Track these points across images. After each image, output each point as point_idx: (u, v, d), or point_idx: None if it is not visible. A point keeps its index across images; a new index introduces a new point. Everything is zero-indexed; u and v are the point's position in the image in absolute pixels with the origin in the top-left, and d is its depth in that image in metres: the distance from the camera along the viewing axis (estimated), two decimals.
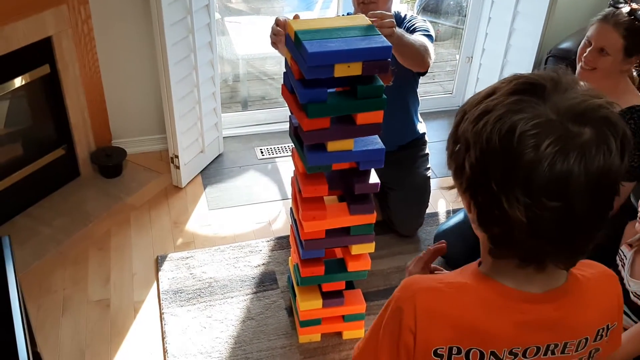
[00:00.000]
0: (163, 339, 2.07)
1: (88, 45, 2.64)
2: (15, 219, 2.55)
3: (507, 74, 2.96)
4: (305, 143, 1.66)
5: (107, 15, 2.64)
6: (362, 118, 1.66)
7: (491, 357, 0.84)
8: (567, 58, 2.63)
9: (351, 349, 2.08)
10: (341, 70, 1.56)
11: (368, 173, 1.81)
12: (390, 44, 1.56)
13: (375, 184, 1.79)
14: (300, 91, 1.59)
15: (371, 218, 1.84)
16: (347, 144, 1.69)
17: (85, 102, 2.72)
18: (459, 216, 2.41)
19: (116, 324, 2.13)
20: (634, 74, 2.00)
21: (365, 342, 0.93)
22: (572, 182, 0.71)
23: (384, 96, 1.64)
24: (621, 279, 1.77)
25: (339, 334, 2.12)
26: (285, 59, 1.74)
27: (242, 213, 2.69)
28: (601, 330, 0.88)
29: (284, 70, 1.77)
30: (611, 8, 1.91)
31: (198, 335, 2.09)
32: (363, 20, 1.68)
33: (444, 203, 2.82)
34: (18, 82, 2.40)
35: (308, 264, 1.92)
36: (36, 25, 2.35)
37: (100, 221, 2.59)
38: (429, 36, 2.30)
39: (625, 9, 1.88)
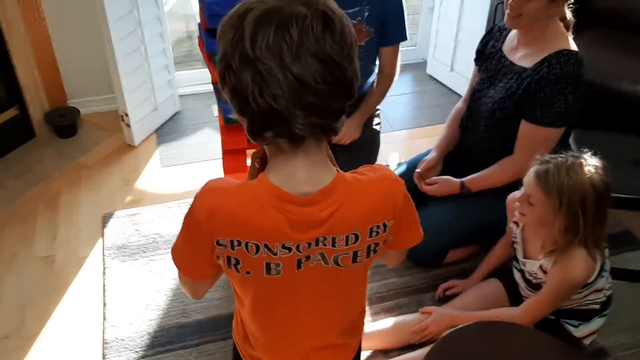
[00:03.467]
0: (104, 292, 2.12)
1: (33, 4, 2.62)
2: None
3: (465, 24, 2.94)
4: (217, 95, 1.66)
5: None
6: None
7: (265, 249, 0.92)
8: None
9: None
10: None
11: None
12: None
13: None
14: (206, 41, 1.58)
15: None
16: None
17: (35, 62, 2.71)
18: (401, 168, 2.40)
19: (59, 279, 2.17)
20: (568, 16, 1.95)
21: (177, 239, 0.99)
22: (272, 47, 0.79)
23: None
24: (517, 259, 1.79)
25: None
26: None
27: (195, 170, 2.71)
28: (375, 228, 0.95)
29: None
30: None
31: (138, 288, 2.13)
32: None
33: (397, 156, 2.81)
34: None
35: None
36: None
37: (52, 181, 2.62)
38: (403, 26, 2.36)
39: None
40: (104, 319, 2.03)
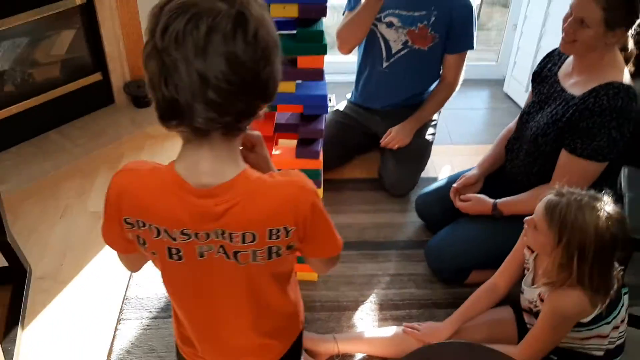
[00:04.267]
0: None
1: None
2: (48, 133, 2.85)
3: (545, 44, 2.81)
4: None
5: None
6: (303, 62, 1.69)
7: (165, 233, 0.95)
8: None
9: (304, 289, 2.15)
10: (277, 11, 1.60)
11: (315, 119, 1.84)
12: None
13: (319, 130, 1.82)
14: None
15: (316, 164, 1.87)
16: (289, 86, 1.74)
17: (121, 34, 2.93)
18: (442, 181, 2.37)
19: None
20: (630, 46, 1.83)
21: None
22: (179, 40, 0.80)
23: (325, 42, 1.66)
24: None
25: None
26: None
27: None
28: (275, 231, 0.95)
29: None
30: None
31: None
32: None
33: (449, 169, 2.76)
34: (54, 9, 2.64)
35: None
36: None
37: (119, 144, 2.83)
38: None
39: None
40: (130, 277, 2.17)
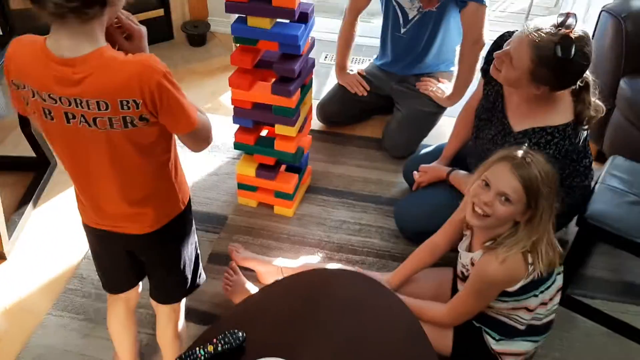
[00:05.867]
0: None
1: None
2: None
3: None
4: (226, 11, 1.91)
5: None
6: (277, 0, 1.83)
7: (37, 95, 1.17)
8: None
9: (277, 221, 2.33)
10: None
11: (291, 58, 1.98)
12: None
13: (291, 69, 1.96)
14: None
15: (289, 102, 2.02)
16: (263, 22, 1.89)
17: None
18: (430, 148, 2.39)
19: None
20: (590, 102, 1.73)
21: None
22: None
23: None
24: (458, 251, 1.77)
25: (272, 207, 2.37)
26: None
27: None
28: (126, 102, 1.14)
29: None
30: (539, 22, 1.61)
31: None
32: None
33: None
34: None
35: (240, 131, 2.19)
36: None
37: None
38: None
39: (561, 32, 1.58)
40: None
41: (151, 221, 1.39)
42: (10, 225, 2.20)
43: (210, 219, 2.33)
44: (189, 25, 3.33)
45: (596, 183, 1.94)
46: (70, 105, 1.16)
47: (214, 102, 2.98)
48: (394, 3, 2.48)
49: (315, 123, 2.80)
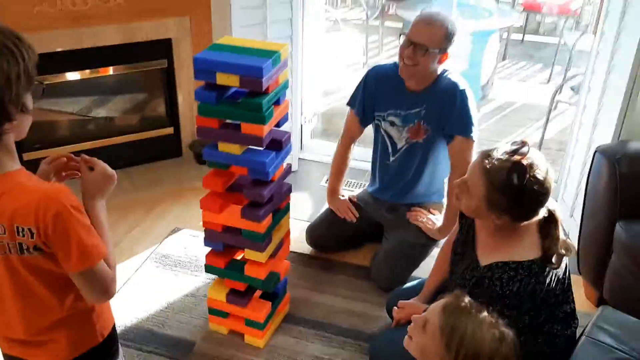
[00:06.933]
0: (128, 279, 2.50)
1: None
2: (116, 170, 3.28)
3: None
4: (197, 136, 1.93)
5: (226, 33, 3.21)
6: (246, 128, 1.85)
7: None
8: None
9: (246, 352, 2.20)
10: (222, 79, 1.80)
11: (261, 184, 1.96)
12: (261, 65, 1.74)
13: (260, 194, 1.93)
14: (197, 91, 1.87)
15: (258, 227, 1.97)
16: (234, 148, 1.90)
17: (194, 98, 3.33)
18: (415, 282, 2.29)
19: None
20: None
21: None
22: None
23: (264, 114, 1.81)
24: None
25: (243, 336, 2.25)
26: None
27: None
28: (21, 229, 1.12)
29: None
30: (493, 150, 1.61)
31: (153, 290, 2.47)
32: (277, 47, 1.87)
33: None
34: (139, 67, 3.13)
35: (211, 254, 2.14)
36: (158, 27, 3.05)
37: (164, 191, 3.16)
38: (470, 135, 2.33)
39: (513, 158, 1.56)
40: None
41: (63, 351, 1.31)
42: None
43: (177, 345, 2.22)
44: (196, 144, 3.41)
45: (581, 334, 1.76)
46: None
47: None
48: (384, 133, 2.49)
49: (305, 247, 2.74)
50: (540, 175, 1.56)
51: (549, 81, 5.01)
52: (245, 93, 1.86)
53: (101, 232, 1.26)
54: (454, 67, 2.41)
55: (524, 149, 1.57)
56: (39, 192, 1.13)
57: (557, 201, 3.03)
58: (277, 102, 1.93)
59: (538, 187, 1.55)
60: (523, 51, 5.76)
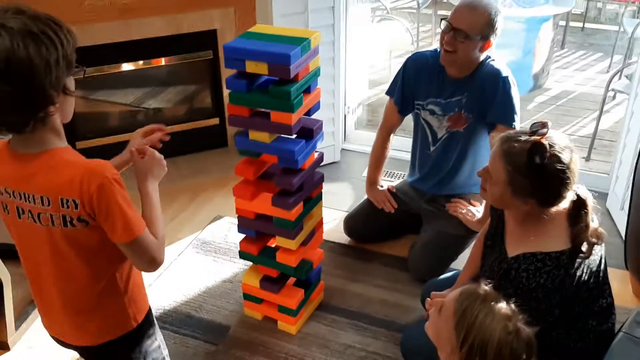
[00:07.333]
0: (169, 264, 2.58)
1: None
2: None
3: None
4: (229, 124, 1.95)
5: (268, 23, 3.23)
6: (275, 116, 1.86)
7: (5, 191, 1.24)
8: None
9: (279, 338, 2.22)
10: (251, 67, 1.82)
11: (291, 172, 1.97)
12: (289, 52, 1.74)
13: (290, 182, 1.94)
14: (227, 79, 1.90)
15: (289, 214, 1.98)
16: (263, 136, 1.92)
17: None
18: (453, 273, 2.25)
19: None
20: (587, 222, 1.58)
21: None
22: None
23: (293, 102, 1.81)
24: None
25: (277, 322, 2.28)
26: None
27: None
28: (65, 201, 1.17)
29: None
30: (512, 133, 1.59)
31: (192, 274, 2.54)
32: (308, 34, 1.87)
33: None
34: (186, 59, 3.20)
35: (245, 240, 2.17)
36: (204, 18, 3.10)
37: (210, 180, 3.22)
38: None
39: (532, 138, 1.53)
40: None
41: (93, 335, 1.36)
42: (22, 317, 2.26)
43: (212, 329, 2.27)
44: None
45: (619, 330, 1.69)
46: (20, 199, 1.21)
47: None
48: (423, 122, 2.45)
49: (343, 237, 2.74)
50: (561, 154, 1.51)
51: (608, 70, 4.79)
52: (275, 81, 1.87)
53: (155, 212, 1.32)
54: (505, 55, 2.34)
55: (544, 130, 1.53)
56: (83, 166, 1.19)
57: (608, 194, 2.91)
58: (307, 91, 1.93)
59: (560, 166, 1.51)
60: (583, 39, 5.52)
